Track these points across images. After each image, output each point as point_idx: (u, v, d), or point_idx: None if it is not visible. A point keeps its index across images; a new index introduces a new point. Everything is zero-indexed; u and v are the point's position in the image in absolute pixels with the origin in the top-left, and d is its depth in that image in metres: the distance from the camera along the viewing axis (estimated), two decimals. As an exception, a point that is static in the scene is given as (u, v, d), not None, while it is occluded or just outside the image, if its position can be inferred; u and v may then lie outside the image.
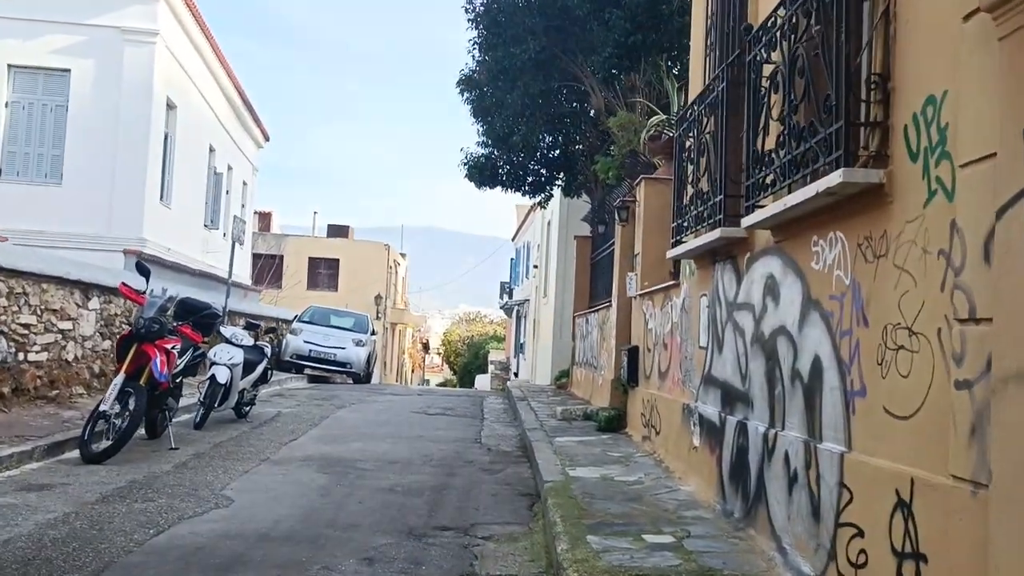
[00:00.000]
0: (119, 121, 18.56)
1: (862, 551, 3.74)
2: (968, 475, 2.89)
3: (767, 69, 5.06)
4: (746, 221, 5.22)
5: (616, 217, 11.41)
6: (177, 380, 9.12)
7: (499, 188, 18.22)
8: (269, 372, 11.88)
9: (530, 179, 18.22)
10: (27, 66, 18.45)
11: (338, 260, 45.92)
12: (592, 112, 16.14)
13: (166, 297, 8.42)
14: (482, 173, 17.47)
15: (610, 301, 12.30)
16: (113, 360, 9.46)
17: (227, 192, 26.78)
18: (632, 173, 11.64)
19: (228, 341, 10.76)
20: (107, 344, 10.96)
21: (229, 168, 26.93)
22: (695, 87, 7.42)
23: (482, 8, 15.18)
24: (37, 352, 9.46)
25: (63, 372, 10.02)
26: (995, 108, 2.75)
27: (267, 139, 32.09)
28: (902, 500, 3.41)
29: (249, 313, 19.05)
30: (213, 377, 10.27)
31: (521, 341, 35.12)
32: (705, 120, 6.39)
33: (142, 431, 9.12)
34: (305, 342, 20.34)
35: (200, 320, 9.25)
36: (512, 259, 44.19)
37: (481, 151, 17.55)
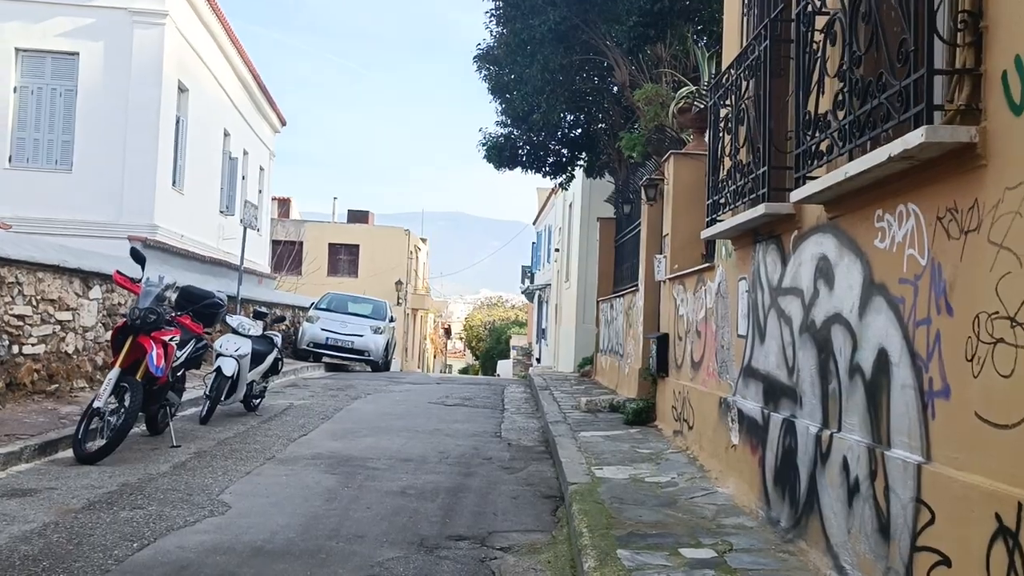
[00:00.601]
0: (129, 105, 18.12)
1: (949, 583, 3.15)
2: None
3: (820, 21, 4.43)
4: (796, 195, 4.60)
5: (643, 196, 10.78)
6: (179, 373, 8.62)
7: (519, 169, 17.65)
8: (279, 363, 11.37)
9: (551, 159, 17.62)
10: (35, 50, 18.04)
11: (358, 246, 45.45)
12: (615, 88, 15.47)
13: (164, 285, 7.89)
14: (501, 154, 16.87)
15: (636, 285, 11.69)
16: (117, 351, 8.96)
17: (243, 177, 26.35)
18: (659, 150, 11.01)
19: (235, 331, 10.26)
20: (110, 335, 10.48)
21: (245, 153, 26.49)
22: (730, 50, 6.77)
23: (499, -24, 14.49)
24: (34, 345, 9.00)
25: (62, 365, 9.56)
26: None
27: (284, 123, 31.61)
28: (1005, 527, 2.81)
29: (263, 300, 18.59)
30: (219, 369, 9.78)
31: (543, 326, 34.55)
32: (744, 84, 5.75)
33: (143, 428, 8.68)
34: (322, 330, 19.86)
35: (201, 310, 8.73)
36: (533, 243, 43.57)
37: (500, 131, 16.95)
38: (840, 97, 4.01)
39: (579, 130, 17.11)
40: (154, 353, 7.51)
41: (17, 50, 17.90)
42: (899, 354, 3.71)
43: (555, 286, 29.37)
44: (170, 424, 8.40)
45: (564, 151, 17.52)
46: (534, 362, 36.11)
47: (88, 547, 4.83)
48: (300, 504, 6.10)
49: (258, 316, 11.37)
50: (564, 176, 18.14)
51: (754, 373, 5.99)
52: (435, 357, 63.77)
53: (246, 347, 10.12)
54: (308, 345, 19.79)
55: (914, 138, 3.18)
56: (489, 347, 54.95)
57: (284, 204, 47.84)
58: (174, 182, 19.71)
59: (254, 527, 5.43)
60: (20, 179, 17.43)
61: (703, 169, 8.81)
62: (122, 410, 7.37)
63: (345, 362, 20.39)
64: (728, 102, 6.30)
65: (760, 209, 5.18)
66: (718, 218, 6.53)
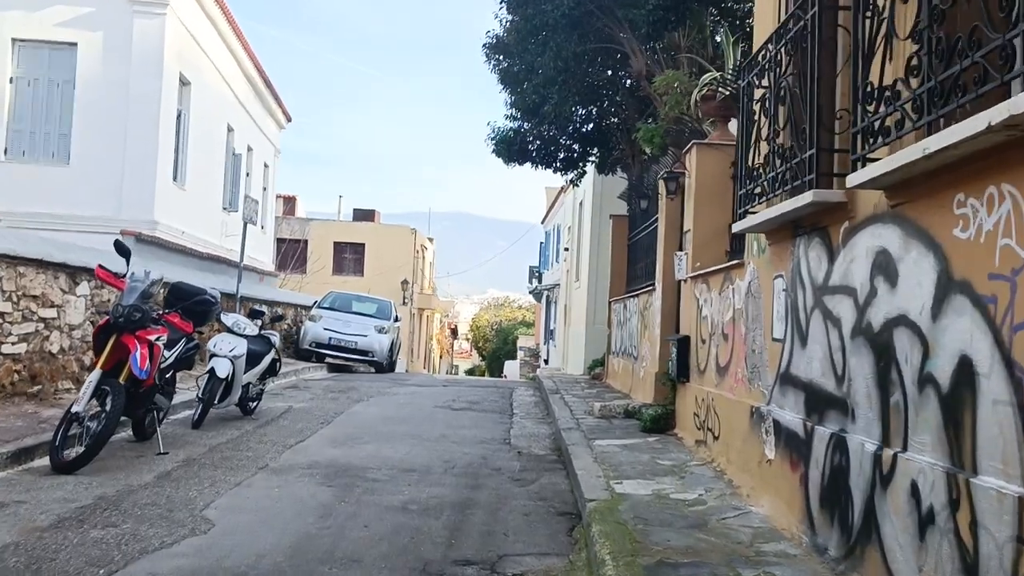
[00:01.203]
0: (129, 97, 17.59)
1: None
2: None
3: (883, -21, 3.86)
4: (853, 179, 4.02)
5: (663, 190, 10.20)
6: (167, 375, 8.08)
7: (529, 165, 17.07)
8: (277, 364, 10.83)
9: (562, 155, 17.05)
10: (32, 40, 17.51)
11: (364, 245, 44.93)
12: (628, 82, 14.90)
13: (150, 281, 7.34)
14: (510, 148, 16.30)
15: (653, 284, 11.11)
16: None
17: (247, 174, 25.84)
18: (678, 142, 10.44)
19: (230, 330, 9.72)
20: (92, 334, 9.94)
21: (249, 149, 25.98)
22: (764, 26, 6.19)
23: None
24: (14, 344, 8.46)
25: (46, 365, 9.02)
26: None
27: (289, 120, 31.09)
28: None
29: (263, 299, 18.04)
30: (212, 371, 9.25)
31: (551, 327, 33.98)
32: (785, 60, 5.17)
33: (130, 433, 8.15)
34: (325, 329, 19.29)
35: (192, 307, 8.18)
36: (541, 243, 43.02)
37: (509, 125, 16.39)
38: (915, 62, 3.43)
39: (591, 124, 16.53)
40: (138, 354, 6.96)
41: (14, 40, 17.38)
42: (989, 363, 3.13)
43: (564, 286, 28.80)
44: (157, 430, 7.86)
45: (575, 146, 16.95)
46: (542, 363, 35.54)
47: (49, 573, 4.28)
48: (291, 521, 5.54)
49: (254, 315, 10.83)
50: (575, 172, 17.55)
51: (793, 381, 5.41)
52: (441, 358, 63.25)
53: (241, 347, 9.59)
54: (310, 345, 19.23)
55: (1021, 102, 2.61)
56: (496, 348, 54.39)
57: (289, 202, 47.33)
58: (175, 177, 19.19)
59: (238, 548, 4.87)
60: (16, 172, 16.91)
61: (727, 160, 8.27)
62: (103, 415, 6.83)
63: (348, 363, 19.83)
64: (764, 82, 5.73)
65: (807, 197, 4.60)
66: (751, 210, 5.95)
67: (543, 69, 13.31)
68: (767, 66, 5.49)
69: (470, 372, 64.31)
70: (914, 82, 3.45)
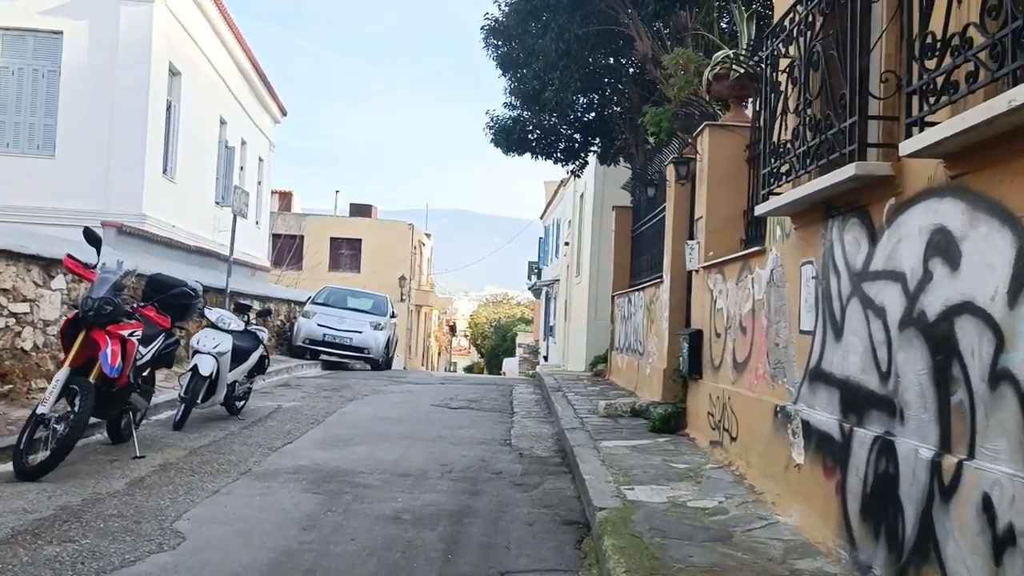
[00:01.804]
0: (116, 87, 17.07)
1: None
2: None
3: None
4: (910, 146, 3.48)
5: (672, 176, 9.68)
6: (145, 373, 7.55)
7: (528, 155, 16.52)
8: (266, 360, 10.29)
9: (562, 145, 16.49)
10: (15, 28, 16.98)
11: (361, 240, 44.35)
12: (632, 68, 14.36)
13: (123, 272, 6.80)
14: (509, 138, 15.75)
15: (660, 276, 10.58)
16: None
17: (241, 168, 25.32)
18: (687, 126, 9.90)
19: (214, 325, 9.19)
20: (60, 329, 9.41)
21: (243, 143, 25.45)
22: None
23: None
24: (-19, 340, 7.93)
25: (18, 363, 8.48)
26: None
27: (284, 113, 30.54)
28: None
29: (254, 294, 17.50)
30: (195, 368, 8.73)
31: (551, 323, 33.45)
32: (818, 21, 4.64)
33: (105, 435, 7.62)
34: (319, 325, 18.73)
35: (170, 300, 7.64)
36: (540, 238, 42.49)
37: (508, 114, 15.83)
38: (992, 2, 2.90)
39: (592, 113, 15.98)
40: (108, 350, 6.43)
41: (-3, 29, 16.84)
42: (1089, 356, 2.61)
43: (564, 281, 28.28)
44: (134, 432, 7.33)
45: (577, 135, 16.40)
46: (541, 360, 35.04)
47: (-13, 600, 3.77)
48: (271, 534, 5.01)
49: (240, 309, 10.29)
50: (577, 163, 17.01)
51: (826, 377, 4.89)
52: (439, 355, 62.71)
53: (226, 343, 9.06)
54: (304, 342, 18.67)
55: None
56: (495, 345, 53.87)
57: (285, 198, 46.75)
58: (165, 170, 18.65)
59: (208, 567, 4.34)
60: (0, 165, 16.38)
61: (742, 143, 7.77)
62: (71, 417, 6.30)
63: (343, 360, 19.29)
64: (789, 51, 5.20)
65: (847, 171, 4.07)
66: (775, 191, 5.42)
67: (545, 51, 12.75)
68: (797, 30, 4.95)
69: (468, 369, 63.80)
70: (992, 26, 2.92)
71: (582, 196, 23.44)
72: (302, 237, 41.06)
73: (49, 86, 17.11)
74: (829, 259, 4.87)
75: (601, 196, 20.24)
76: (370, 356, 19.09)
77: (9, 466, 6.26)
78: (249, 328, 9.99)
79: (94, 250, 6.84)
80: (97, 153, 16.78)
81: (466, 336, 73.75)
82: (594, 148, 16.64)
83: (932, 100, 3.36)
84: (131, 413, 7.49)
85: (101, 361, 6.42)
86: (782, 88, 5.26)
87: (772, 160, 5.37)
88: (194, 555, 4.54)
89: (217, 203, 21.93)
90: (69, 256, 6.83)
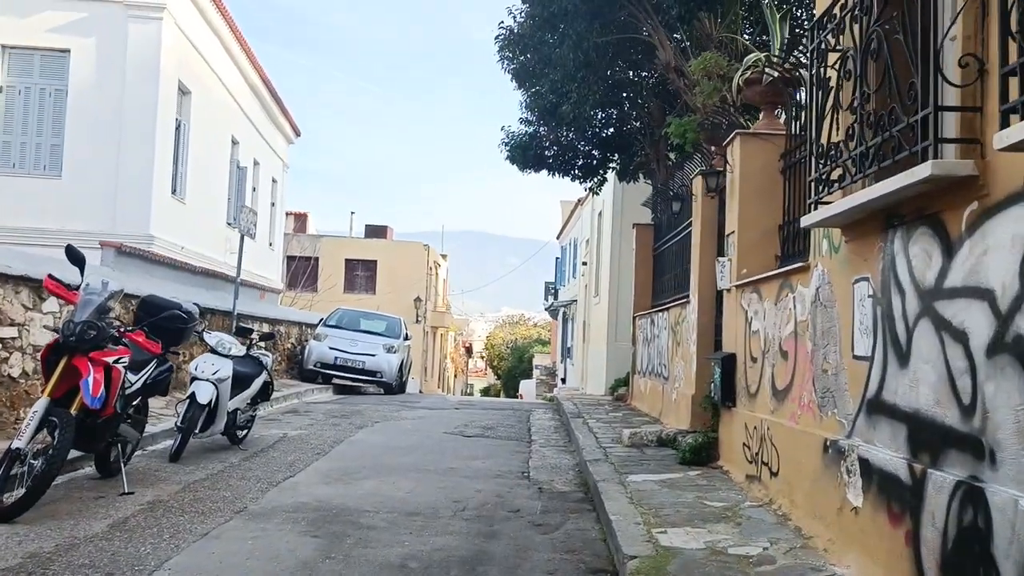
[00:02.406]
0: (124, 106, 16.73)
1: None
2: None
3: None
4: (1007, 137, 2.91)
5: (700, 189, 9.11)
6: (135, 402, 7.03)
7: (545, 172, 16.02)
8: (270, 387, 9.76)
9: (580, 161, 16.00)
10: (22, 46, 16.70)
11: (376, 261, 43.94)
12: (652, 80, 13.86)
13: (108, 293, 6.30)
14: (526, 154, 15.25)
15: (686, 296, 10.00)
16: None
17: (254, 189, 24.95)
18: (713, 137, 9.37)
19: (213, 350, 8.67)
20: (40, 355, 8.91)
21: (256, 163, 25.09)
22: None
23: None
24: (-36, 367, 7.43)
25: (5, 391, 7.99)
26: None
27: (298, 134, 30.23)
28: None
29: (263, 316, 17.03)
30: (192, 396, 8.20)
31: (568, 345, 32.84)
32: (878, 5, 4.08)
33: (94, 468, 7.09)
34: (330, 348, 18.19)
35: (162, 324, 7.11)
36: (557, 258, 41.97)
37: (524, 129, 15.33)
38: None
39: (611, 129, 15.47)
40: (91, 379, 5.90)
41: (4, 47, 16.57)
42: None
43: (582, 302, 27.70)
44: (122, 467, 6.79)
45: (595, 152, 15.89)
46: (559, 382, 34.40)
47: (-82, 677, 3.22)
48: (260, 588, 4.45)
49: (241, 332, 9.77)
50: (595, 180, 16.47)
51: (888, 409, 4.29)
52: (456, 377, 62.14)
53: (226, 369, 8.53)
54: (315, 365, 18.14)
55: None
56: (511, 366, 53.19)
57: (300, 219, 46.48)
58: (174, 190, 18.27)
59: (184, 632, 3.79)
60: (5, 185, 16.00)
61: (776, 152, 7.21)
62: (49, 451, 5.77)
63: (356, 384, 18.74)
64: (840, 42, 4.65)
65: (921, 171, 3.49)
66: (824, 199, 4.85)
67: (562, 61, 12.23)
68: (851, 16, 4.39)
69: (485, 391, 63.17)
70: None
71: (600, 214, 22.90)
72: (317, 259, 40.67)
73: (56, 105, 16.80)
74: (890, 275, 4.29)
75: (620, 214, 19.70)
76: (383, 380, 18.54)
77: (-17, 505, 5.73)
78: (252, 353, 9.47)
79: (76, 269, 6.34)
80: (104, 173, 16.41)
81: (482, 357, 73.15)
82: (613, 165, 16.13)
83: (1036, 80, 2.80)
84: (120, 446, 6.96)
85: (82, 391, 5.90)
86: (831, 84, 4.69)
87: (821, 165, 4.80)
88: (169, 615, 3.99)
89: (229, 224, 21.53)
90: (50, 276, 6.34)
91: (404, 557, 5.13)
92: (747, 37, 11.55)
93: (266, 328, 15.63)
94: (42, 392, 6.11)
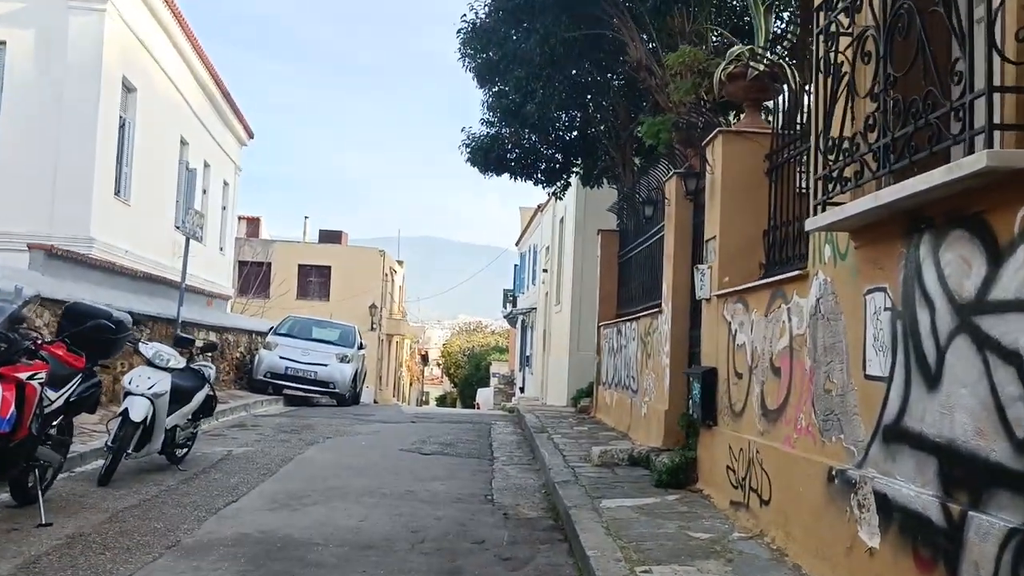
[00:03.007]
0: (64, 101, 15.91)
1: None
2: None
3: None
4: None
5: (675, 192, 8.59)
6: (55, 422, 6.30)
7: (507, 176, 15.43)
8: (212, 401, 9.05)
9: (543, 165, 15.44)
10: (-46, 38, 15.73)
11: (330, 267, 43.02)
12: (618, 81, 13.35)
13: (22, 299, 5.60)
14: (487, 157, 14.65)
15: (658, 305, 9.48)
16: None
17: (204, 191, 24.04)
18: (688, 138, 8.88)
19: (150, 362, 7.94)
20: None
21: (206, 165, 24.23)
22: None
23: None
24: None
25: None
26: None
27: (251, 136, 29.35)
28: None
29: (210, 324, 16.21)
30: (125, 413, 7.47)
31: (527, 353, 32.27)
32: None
33: (10, 496, 6.35)
34: (281, 358, 17.41)
35: (88, 334, 6.39)
36: (516, 265, 41.45)
37: (486, 131, 14.73)
38: None
39: (575, 132, 14.94)
40: (-1, 398, 5.20)
41: (-66, 39, 15.59)
42: None
43: (542, 310, 27.17)
44: (39, 494, 6.06)
45: (558, 156, 15.35)
46: (517, 391, 33.82)
47: None
48: (187, 647, 3.79)
49: (181, 343, 9.04)
50: (559, 184, 15.94)
51: (912, 438, 3.77)
52: (411, 385, 61.21)
53: (164, 383, 7.82)
54: (265, 375, 17.35)
55: None
56: (468, 374, 52.44)
57: (253, 223, 45.38)
58: (118, 191, 17.42)
59: None
60: (-69, 185, 15.06)
61: (761, 152, 6.74)
62: (-51, 481, 5.06)
63: (308, 395, 17.97)
64: (854, 21, 4.14)
65: (975, 161, 2.96)
66: (833, 199, 4.33)
67: (528, 58, 11.66)
68: (864, -5, 3.88)
69: (441, 400, 62.34)
70: None
71: (562, 220, 22.41)
72: (269, 264, 39.62)
73: (-10, 100, 15.87)
74: (914, 285, 3.77)
75: (583, 220, 19.20)
76: (336, 391, 17.81)
77: None
78: (193, 365, 8.75)
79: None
80: (41, 172, 15.55)
81: (439, 365, 72.22)
82: (576, 169, 15.61)
83: None
84: (39, 470, 6.22)
85: (-11, 411, 5.18)
86: (843, 71, 4.18)
87: (831, 159, 4.28)
88: None
89: (177, 227, 20.64)
90: (-46, 282, 5.61)
91: (356, 603, 4.50)
92: (715, 37, 11.13)
93: (212, 337, 14.86)
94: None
